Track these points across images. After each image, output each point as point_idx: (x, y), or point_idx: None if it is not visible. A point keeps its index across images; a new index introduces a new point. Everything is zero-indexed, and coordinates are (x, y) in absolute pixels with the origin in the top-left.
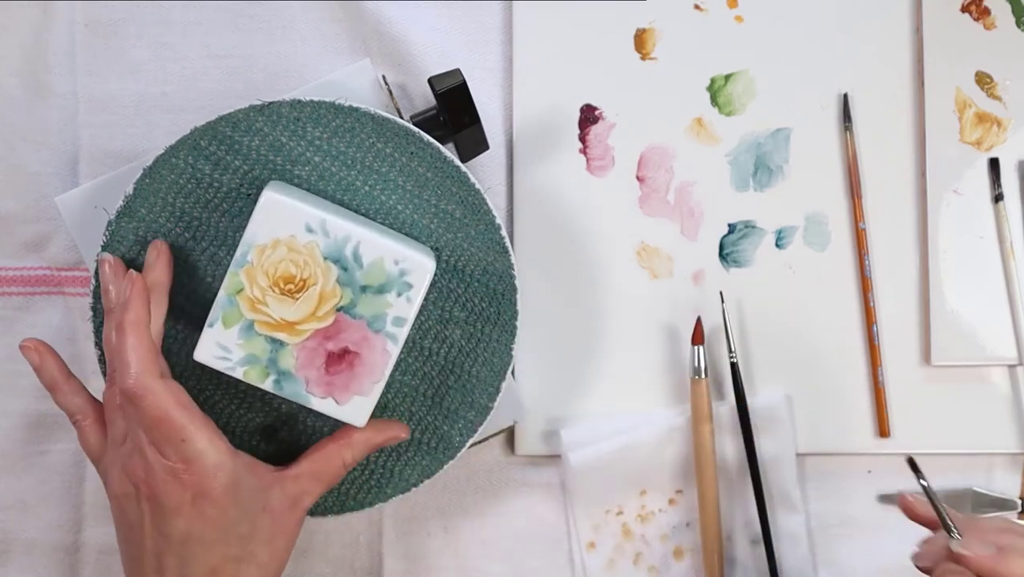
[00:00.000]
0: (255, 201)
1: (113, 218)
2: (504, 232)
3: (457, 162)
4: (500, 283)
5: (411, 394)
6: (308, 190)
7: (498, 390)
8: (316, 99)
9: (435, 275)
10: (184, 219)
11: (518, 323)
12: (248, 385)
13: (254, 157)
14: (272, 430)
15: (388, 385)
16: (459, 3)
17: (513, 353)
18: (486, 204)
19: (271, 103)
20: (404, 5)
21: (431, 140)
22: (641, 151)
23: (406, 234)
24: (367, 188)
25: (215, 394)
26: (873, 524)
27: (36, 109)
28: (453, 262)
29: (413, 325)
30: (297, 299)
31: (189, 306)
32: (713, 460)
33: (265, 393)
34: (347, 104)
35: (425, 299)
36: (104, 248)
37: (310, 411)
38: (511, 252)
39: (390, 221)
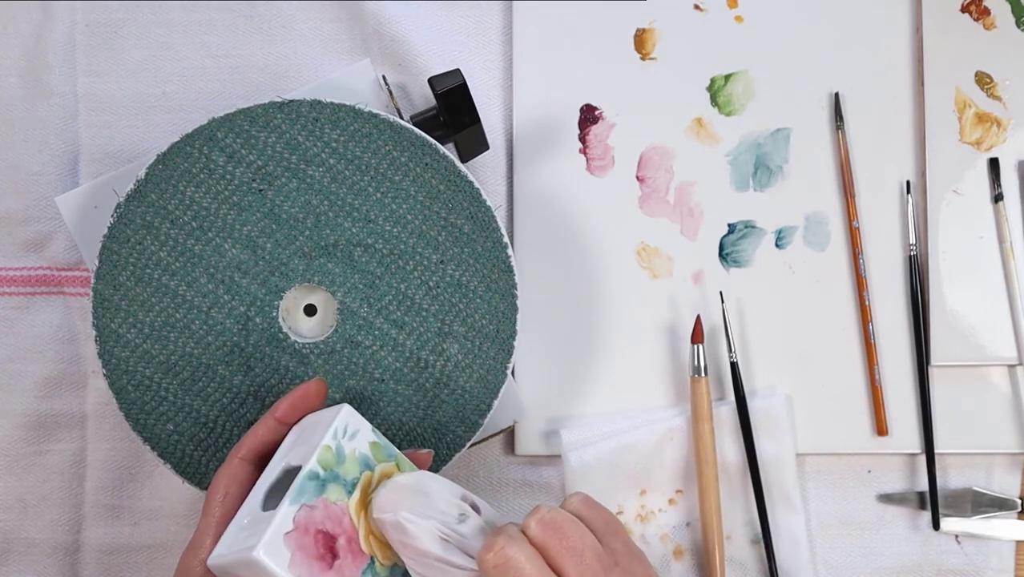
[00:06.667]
0: (265, 196)
1: (122, 201)
2: (511, 251)
3: (471, 177)
4: (502, 301)
5: (404, 404)
6: (320, 191)
7: (489, 407)
8: (337, 101)
9: (439, 288)
10: (193, 208)
11: (515, 343)
12: (241, 380)
13: (269, 153)
14: None
15: (381, 393)
16: (459, 3)
17: (508, 373)
18: (495, 221)
19: (291, 101)
20: (404, 5)
21: (446, 152)
22: (641, 151)
23: (413, 245)
24: (379, 195)
25: (208, 387)
26: (873, 524)
27: (36, 109)
28: (458, 277)
29: (412, 335)
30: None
31: (191, 295)
32: (713, 459)
33: (258, 390)
34: (367, 109)
35: (427, 310)
36: (110, 230)
37: None
38: (515, 272)
39: (399, 230)
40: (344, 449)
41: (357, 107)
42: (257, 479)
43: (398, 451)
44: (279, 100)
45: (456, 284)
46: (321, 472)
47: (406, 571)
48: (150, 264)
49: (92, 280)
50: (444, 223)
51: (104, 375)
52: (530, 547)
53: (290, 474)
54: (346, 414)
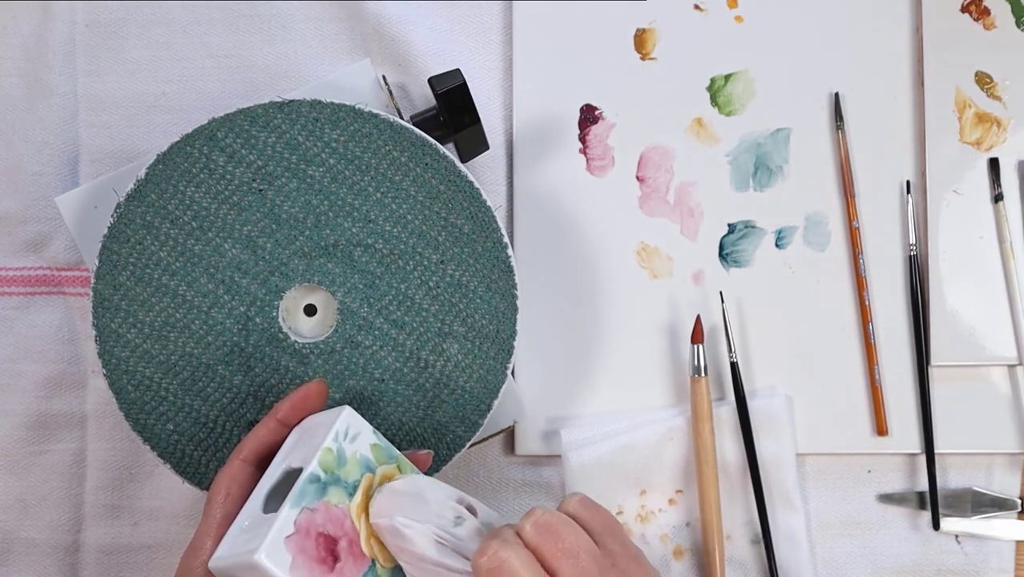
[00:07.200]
0: (265, 196)
1: (122, 200)
2: (511, 252)
3: (471, 177)
4: (502, 301)
5: (403, 404)
6: (320, 191)
7: (489, 408)
8: (337, 101)
9: (439, 288)
10: (192, 208)
11: (515, 343)
12: (241, 380)
13: (269, 153)
14: None
15: (381, 393)
16: (459, 3)
17: (508, 373)
18: (495, 222)
19: (291, 101)
20: (404, 5)
21: (446, 153)
22: (641, 151)
23: (413, 245)
24: (379, 195)
25: (208, 387)
26: (873, 524)
27: (36, 109)
28: (458, 276)
29: (412, 335)
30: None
31: (191, 295)
32: (713, 459)
33: (258, 390)
34: (367, 109)
35: (427, 310)
36: (110, 230)
37: None
38: (515, 272)
39: (399, 230)
40: (345, 451)
41: (357, 107)
42: (258, 481)
43: (399, 453)
44: (279, 100)
45: (456, 284)
46: (322, 475)
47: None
48: (150, 264)
49: (92, 280)
50: (444, 223)
51: (104, 375)
52: (524, 550)
53: (291, 476)
54: (347, 416)
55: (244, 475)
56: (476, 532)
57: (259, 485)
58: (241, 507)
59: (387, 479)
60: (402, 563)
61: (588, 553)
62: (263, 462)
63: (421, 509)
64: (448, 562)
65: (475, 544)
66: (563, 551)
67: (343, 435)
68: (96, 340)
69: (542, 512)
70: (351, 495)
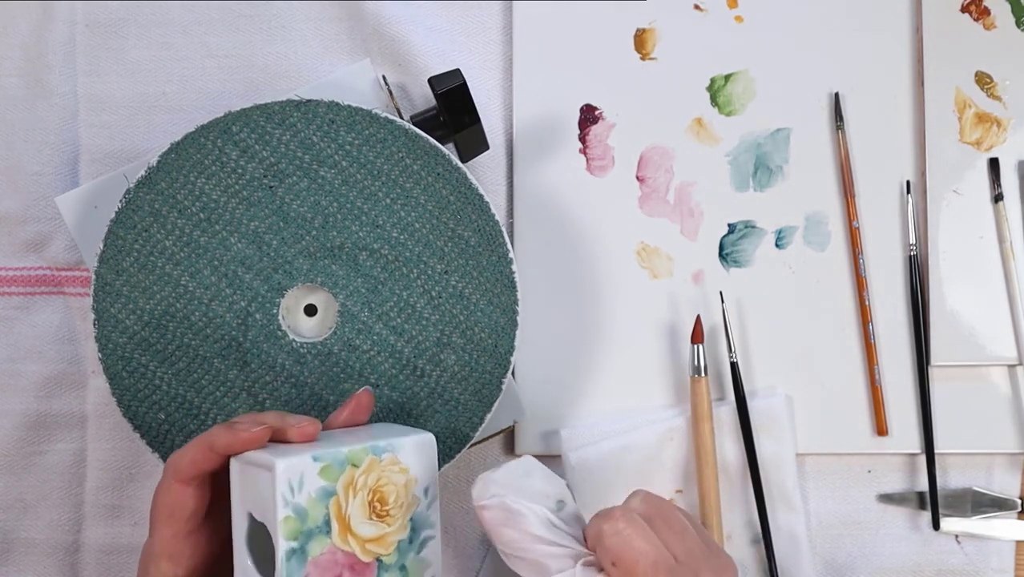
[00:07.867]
0: (275, 193)
1: (132, 187)
2: (515, 267)
3: (481, 190)
4: (503, 316)
5: (396, 410)
6: (330, 193)
7: (482, 420)
8: (354, 104)
9: (441, 298)
10: (202, 199)
11: (513, 359)
12: (236, 375)
13: (282, 150)
14: None
15: (374, 399)
16: (459, 3)
17: (503, 388)
18: (502, 236)
19: (309, 100)
20: (404, 5)
21: (459, 164)
22: (641, 151)
23: (418, 253)
24: (388, 200)
25: (202, 379)
26: (873, 524)
27: (36, 109)
28: (461, 288)
29: (411, 343)
30: (374, 523)
31: (193, 286)
32: (713, 459)
33: (252, 386)
34: (383, 115)
35: (427, 319)
36: (118, 215)
37: (296, 406)
38: (518, 288)
39: (405, 237)
40: (301, 503)
41: (374, 112)
42: (198, 498)
43: (347, 449)
44: (296, 99)
45: (458, 295)
46: (294, 544)
47: (410, 540)
48: (155, 252)
49: (95, 264)
50: (451, 234)
51: (99, 359)
52: (642, 521)
53: (257, 524)
54: (282, 473)
55: (184, 495)
56: (576, 518)
57: (235, 536)
58: (185, 525)
59: (351, 486)
60: (502, 547)
61: (693, 533)
62: (200, 481)
63: (527, 492)
64: (559, 541)
65: (577, 528)
66: (672, 528)
67: (290, 492)
68: (94, 324)
69: (646, 493)
70: (328, 533)
